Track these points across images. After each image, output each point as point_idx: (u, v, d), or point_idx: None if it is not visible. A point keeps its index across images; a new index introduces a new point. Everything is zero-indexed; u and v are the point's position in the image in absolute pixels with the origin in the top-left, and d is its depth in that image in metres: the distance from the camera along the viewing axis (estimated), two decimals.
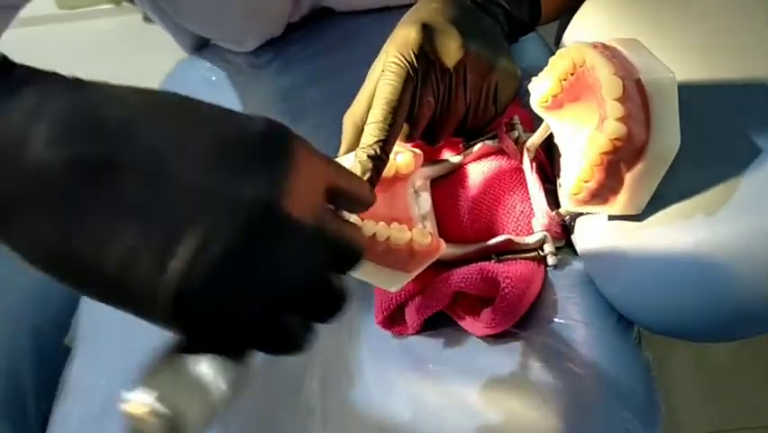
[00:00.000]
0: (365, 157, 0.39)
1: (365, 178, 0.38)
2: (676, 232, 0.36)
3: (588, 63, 0.35)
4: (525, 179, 0.45)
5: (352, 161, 0.39)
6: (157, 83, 0.75)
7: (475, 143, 0.46)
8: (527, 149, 0.44)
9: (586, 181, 0.35)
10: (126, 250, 0.25)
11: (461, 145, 0.48)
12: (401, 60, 0.41)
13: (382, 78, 0.41)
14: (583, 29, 0.48)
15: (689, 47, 0.42)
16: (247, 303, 0.26)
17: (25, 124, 0.25)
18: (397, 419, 0.42)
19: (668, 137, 0.34)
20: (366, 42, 0.46)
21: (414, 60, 0.41)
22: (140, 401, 0.27)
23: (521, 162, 0.45)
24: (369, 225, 0.39)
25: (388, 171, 0.43)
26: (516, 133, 0.46)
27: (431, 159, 0.48)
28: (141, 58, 0.74)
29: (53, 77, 0.26)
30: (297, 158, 0.27)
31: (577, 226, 0.43)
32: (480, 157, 0.46)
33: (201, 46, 0.74)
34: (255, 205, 0.26)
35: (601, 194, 0.36)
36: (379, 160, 0.39)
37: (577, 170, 0.35)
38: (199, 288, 0.25)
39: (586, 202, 0.37)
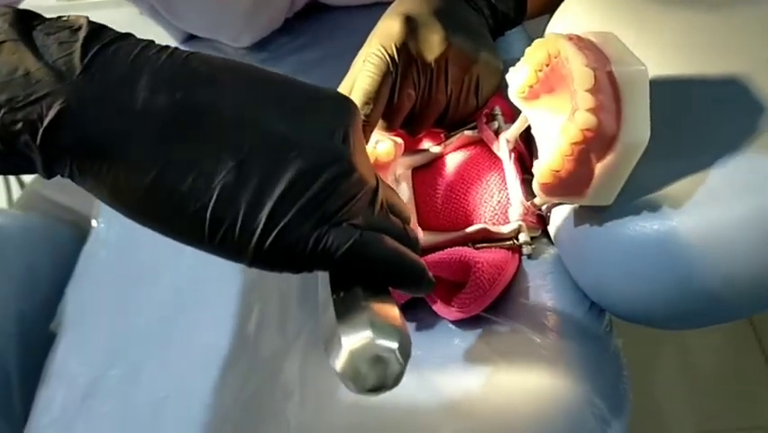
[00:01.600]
0: None
1: None
2: (644, 222, 0.36)
3: (562, 54, 0.36)
4: (503, 170, 0.45)
5: None
6: None
7: (456, 134, 0.47)
8: (507, 140, 0.45)
9: (556, 171, 0.36)
10: (225, 186, 0.28)
11: (442, 135, 0.48)
12: (382, 53, 0.42)
13: (362, 70, 0.42)
14: (564, 24, 0.49)
15: (666, 43, 0.43)
16: (334, 231, 0.29)
17: (129, 71, 0.28)
18: (373, 402, 0.42)
19: (638, 129, 0.35)
20: (354, 34, 0.47)
21: (395, 54, 0.42)
22: (362, 341, 0.27)
23: (500, 153, 0.45)
24: None
25: None
26: (496, 124, 0.46)
27: (412, 148, 0.48)
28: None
29: (135, 36, 0.29)
30: (359, 121, 0.31)
31: (552, 215, 0.43)
32: (459, 147, 0.47)
33: (192, 36, 0.75)
34: (334, 154, 0.29)
35: (571, 184, 0.37)
36: None
37: (548, 159, 0.36)
38: (292, 223, 0.28)
39: (556, 193, 0.38)
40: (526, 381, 0.39)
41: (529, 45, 0.58)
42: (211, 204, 0.28)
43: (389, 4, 0.49)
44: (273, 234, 0.28)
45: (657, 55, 0.43)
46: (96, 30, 0.28)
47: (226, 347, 0.54)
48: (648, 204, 0.37)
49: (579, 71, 0.34)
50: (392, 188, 0.35)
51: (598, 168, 0.36)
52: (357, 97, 0.41)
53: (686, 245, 0.35)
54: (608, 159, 0.36)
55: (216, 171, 0.28)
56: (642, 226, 0.37)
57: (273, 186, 0.28)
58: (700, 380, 0.99)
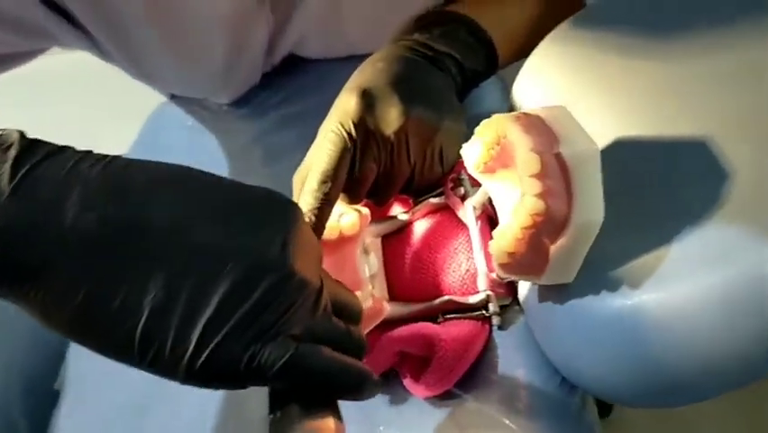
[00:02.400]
0: None
1: None
2: (606, 299, 0.36)
3: (508, 137, 0.35)
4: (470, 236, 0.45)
5: None
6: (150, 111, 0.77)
7: (422, 200, 0.46)
8: (473, 206, 0.44)
9: (511, 253, 0.35)
10: (156, 305, 0.28)
11: (410, 201, 0.48)
12: (339, 130, 0.41)
13: (321, 147, 0.41)
14: (529, 82, 0.48)
15: (629, 102, 0.42)
16: (269, 346, 0.29)
17: (58, 189, 0.28)
18: None
19: (591, 210, 0.34)
20: (335, 86, 0.47)
21: (352, 130, 0.41)
22: None
23: (466, 220, 0.45)
24: None
25: (331, 234, 0.43)
26: (462, 190, 0.45)
27: (381, 216, 0.48)
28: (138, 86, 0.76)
29: (72, 149, 0.29)
30: (301, 223, 0.31)
31: (520, 286, 0.43)
32: (427, 214, 0.47)
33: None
34: (271, 263, 0.29)
35: (527, 265, 0.36)
36: (313, 228, 0.39)
37: (502, 242, 0.36)
38: (225, 341, 0.28)
39: (513, 272, 0.37)
40: None
41: (504, 94, 0.58)
42: (141, 323, 0.28)
43: (367, 56, 0.49)
44: (204, 354, 0.28)
45: (619, 116, 0.42)
46: (28, 146, 0.28)
47: (215, 412, 0.54)
48: (610, 280, 0.36)
49: (523, 157, 0.34)
50: (340, 283, 0.35)
51: (553, 249, 0.35)
52: (315, 176, 0.41)
53: (649, 322, 0.34)
54: (562, 240, 0.35)
55: (147, 289, 0.28)
56: (604, 303, 0.36)
57: (205, 302, 0.28)
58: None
